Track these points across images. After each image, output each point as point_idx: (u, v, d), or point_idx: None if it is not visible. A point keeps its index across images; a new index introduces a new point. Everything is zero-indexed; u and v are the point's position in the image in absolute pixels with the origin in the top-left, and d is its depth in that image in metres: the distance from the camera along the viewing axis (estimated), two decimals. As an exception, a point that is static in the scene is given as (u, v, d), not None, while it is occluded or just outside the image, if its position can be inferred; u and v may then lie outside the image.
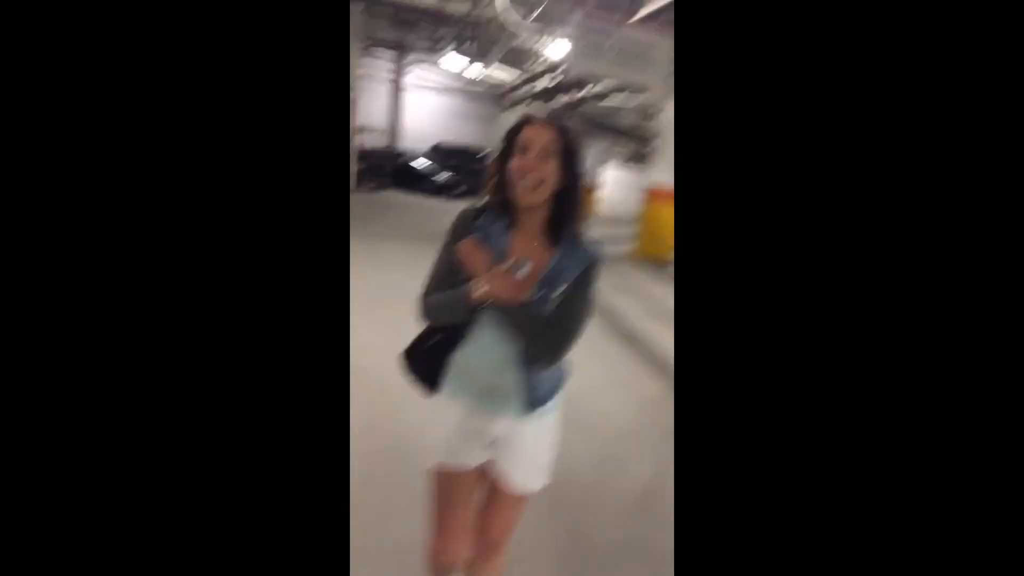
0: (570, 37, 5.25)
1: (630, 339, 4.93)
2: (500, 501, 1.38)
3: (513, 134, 1.20)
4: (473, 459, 1.31)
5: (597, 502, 2.42)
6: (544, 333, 1.20)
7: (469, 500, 1.35)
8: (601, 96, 11.60)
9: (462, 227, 1.24)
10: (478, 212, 1.26)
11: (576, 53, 5.17)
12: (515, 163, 1.17)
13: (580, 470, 2.64)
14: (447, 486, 1.33)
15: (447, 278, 1.23)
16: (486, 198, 1.27)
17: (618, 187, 18.52)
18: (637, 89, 10.87)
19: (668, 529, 2.22)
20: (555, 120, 1.21)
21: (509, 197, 1.21)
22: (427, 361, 1.32)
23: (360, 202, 10.68)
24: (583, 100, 12.14)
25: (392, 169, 13.94)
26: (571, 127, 1.22)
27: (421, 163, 14.66)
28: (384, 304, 2.63)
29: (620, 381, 3.94)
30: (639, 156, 19.77)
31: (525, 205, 1.19)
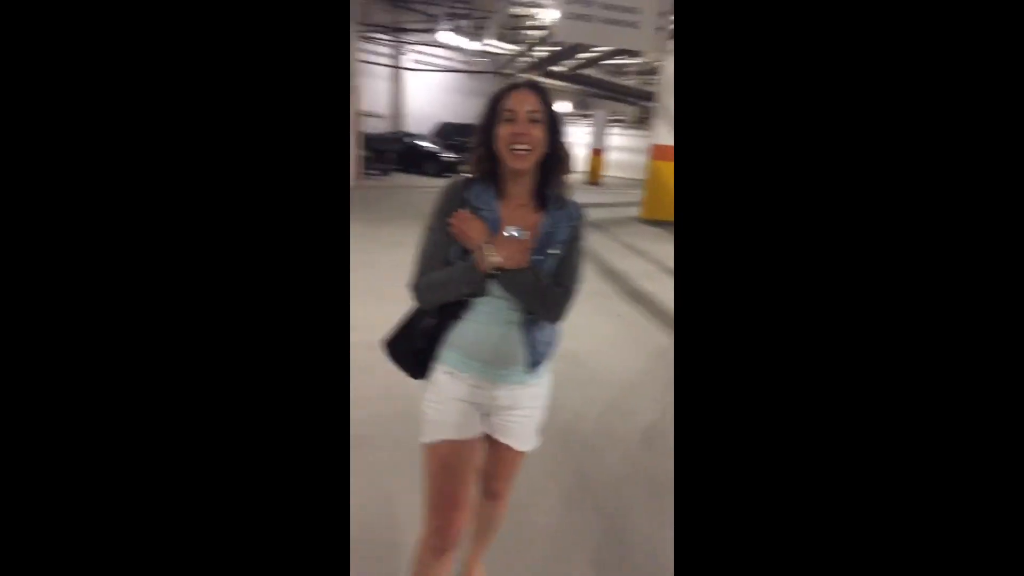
0: (556, 6, 5.30)
1: (637, 297, 5.13)
2: (501, 461, 1.42)
3: (496, 102, 1.20)
4: (475, 430, 1.31)
5: (602, 444, 2.62)
6: (547, 294, 1.21)
7: (471, 472, 1.34)
8: (599, 59, 11.58)
9: (451, 201, 1.23)
10: (464, 184, 1.25)
11: (562, 22, 5.22)
12: (504, 130, 1.17)
13: (587, 417, 2.86)
14: (450, 459, 1.29)
15: (441, 255, 1.23)
16: (471, 169, 1.27)
17: (624, 150, 18.50)
18: (630, 51, 10.81)
19: (667, 465, 2.46)
20: (535, 84, 1.21)
21: (497, 166, 1.22)
22: (421, 345, 1.30)
23: (365, 188, 10.95)
24: (583, 65, 12.14)
25: (397, 152, 14.07)
26: (549, 90, 1.22)
27: (426, 144, 14.77)
28: (390, 283, 2.76)
29: (627, 336, 4.14)
30: (643, 118, 19.67)
31: (516, 171, 1.20)
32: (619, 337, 4.14)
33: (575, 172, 1.31)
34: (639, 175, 11.01)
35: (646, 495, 2.26)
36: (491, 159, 1.22)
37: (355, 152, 11.58)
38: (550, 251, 1.23)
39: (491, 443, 1.40)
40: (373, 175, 12.81)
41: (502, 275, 1.18)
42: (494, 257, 1.14)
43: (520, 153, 1.17)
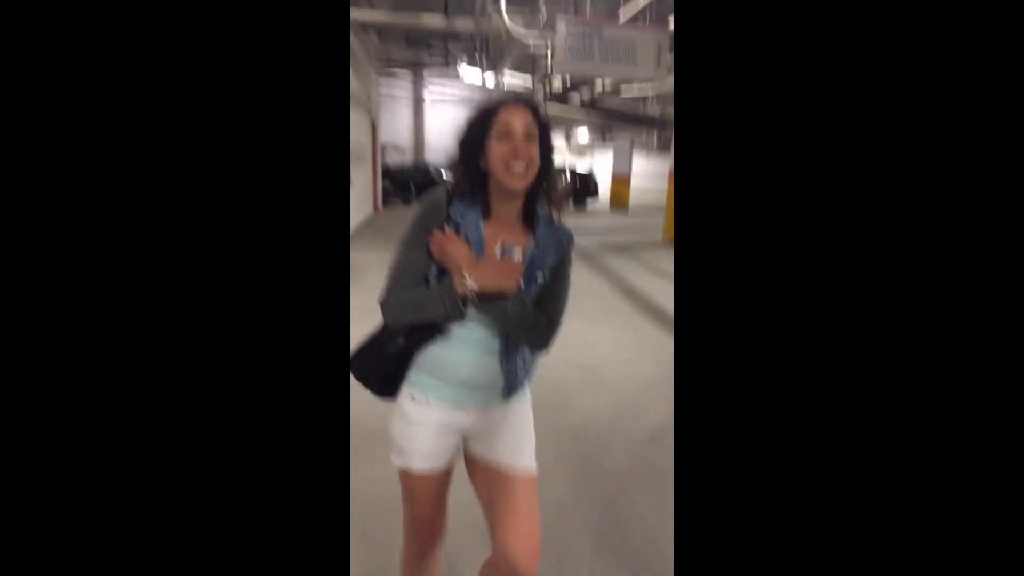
0: (557, 41, 5.58)
1: (655, 313, 5.23)
2: (501, 496, 1.21)
3: (487, 117, 1.12)
4: (444, 459, 1.23)
5: (611, 438, 2.71)
6: (534, 322, 1.13)
7: (443, 498, 1.30)
8: (616, 89, 11.81)
9: (432, 217, 1.14)
10: (448, 200, 1.15)
11: (560, 56, 5.50)
12: (500, 148, 1.09)
13: (599, 416, 2.95)
14: (416, 489, 1.24)
15: (416, 273, 1.13)
16: (454, 186, 1.17)
17: (648, 176, 18.70)
18: (634, 81, 11.07)
19: (671, 458, 2.50)
20: (528, 100, 1.15)
21: (485, 184, 1.14)
22: (388, 365, 1.20)
23: (387, 218, 11.30)
24: (600, 95, 12.40)
25: (417, 183, 14.45)
26: (541, 106, 1.21)
27: (445, 174, 15.13)
28: None
29: (643, 348, 4.23)
30: (666, 143, 19.91)
31: (509, 191, 1.12)
32: (635, 349, 4.23)
33: (566, 194, 1.26)
34: (661, 199, 11.15)
35: (648, 484, 2.34)
36: (478, 177, 1.14)
37: (376, 183, 11.99)
38: (539, 275, 1.16)
39: (478, 474, 1.27)
40: (394, 204, 13.18)
41: (483, 302, 1.09)
42: (471, 283, 1.05)
43: (517, 173, 1.09)
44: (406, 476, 1.23)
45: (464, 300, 1.06)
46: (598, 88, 12.04)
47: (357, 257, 7.09)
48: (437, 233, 1.11)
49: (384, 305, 1.15)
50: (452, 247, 1.08)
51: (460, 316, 1.08)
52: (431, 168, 15.34)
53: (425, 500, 1.26)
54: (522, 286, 1.12)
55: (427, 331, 1.15)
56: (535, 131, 1.11)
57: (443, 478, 1.26)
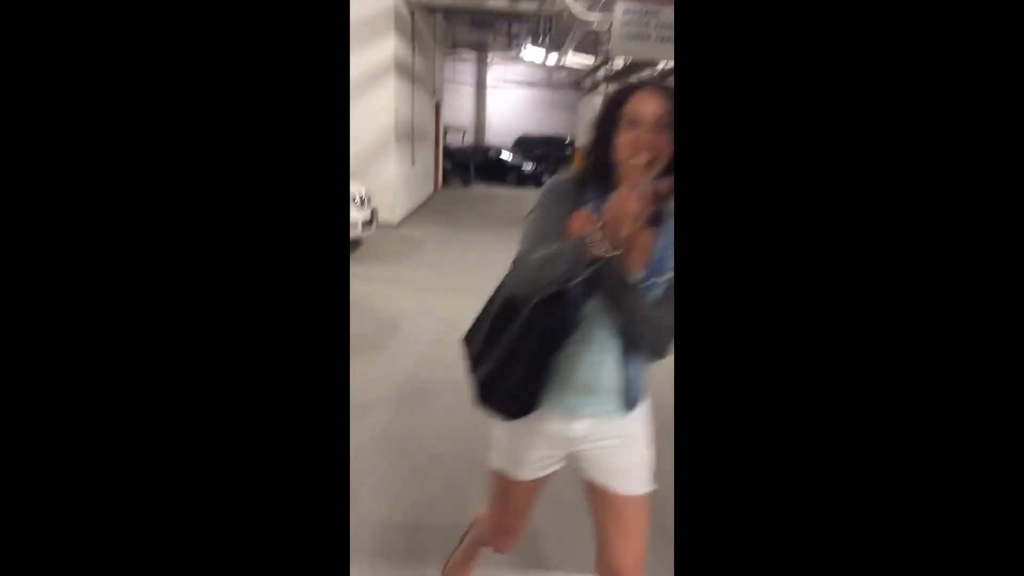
0: (614, 24, 5.63)
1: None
2: (607, 512, 1.21)
3: (618, 104, 1.06)
4: (540, 471, 1.21)
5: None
6: (655, 321, 1.06)
7: (529, 508, 1.29)
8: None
9: (563, 196, 1.11)
10: (577, 183, 1.12)
11: (616, 41, 5.55)
12: (626, 138, 1.03)
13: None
14: (504, 493, 1.26)
15: (551, 242, 1.06)
16: (582, 171, 1.13)
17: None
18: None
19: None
20: (660, 86, 1.07)
21: (612, 173, 1.08)
22: (522, 385, 1.11)
23: (447, 197, 11.72)
24: (664, 75, 12.20)
25: (479, 164, 14.71)
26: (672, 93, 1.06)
27: (507, 155, 15.34)
28: (471, 278, 2.93)
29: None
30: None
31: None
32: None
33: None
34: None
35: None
36: (607, 166, 1.08)
37: (438, 163, 12.34)
38: (664, 274, 1.08)
39: (590, 491, 1.24)
40: (454, 184, 13.55)
41: (602, 301, 1.07)
42: (598, 236, 0.96)
43: (642, 165, 1.02)
44: (499, 479, 1.24)
45: (594, 261, 0.99)
46: (660, 67, 11.89)
47: (416, 232, 7.47)
48: (578, 212, 1.06)
49: (519, 262, 1.09)
50: (584, 228, 1.02)
51: (588, 263, 0.99)
52: (491, 149, 15.57)
53: (508, 504, 1.27)
54: (642, 286, 1.07)
55: (552, 339, 1.09)
56: (669, 119, 1.02)
57: (532, 489, 1.25)
